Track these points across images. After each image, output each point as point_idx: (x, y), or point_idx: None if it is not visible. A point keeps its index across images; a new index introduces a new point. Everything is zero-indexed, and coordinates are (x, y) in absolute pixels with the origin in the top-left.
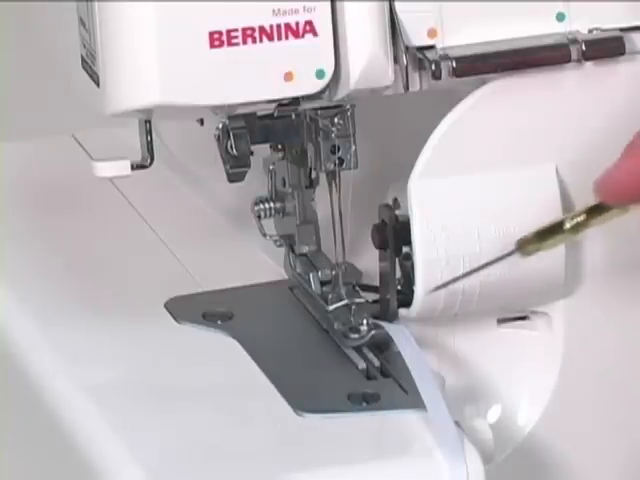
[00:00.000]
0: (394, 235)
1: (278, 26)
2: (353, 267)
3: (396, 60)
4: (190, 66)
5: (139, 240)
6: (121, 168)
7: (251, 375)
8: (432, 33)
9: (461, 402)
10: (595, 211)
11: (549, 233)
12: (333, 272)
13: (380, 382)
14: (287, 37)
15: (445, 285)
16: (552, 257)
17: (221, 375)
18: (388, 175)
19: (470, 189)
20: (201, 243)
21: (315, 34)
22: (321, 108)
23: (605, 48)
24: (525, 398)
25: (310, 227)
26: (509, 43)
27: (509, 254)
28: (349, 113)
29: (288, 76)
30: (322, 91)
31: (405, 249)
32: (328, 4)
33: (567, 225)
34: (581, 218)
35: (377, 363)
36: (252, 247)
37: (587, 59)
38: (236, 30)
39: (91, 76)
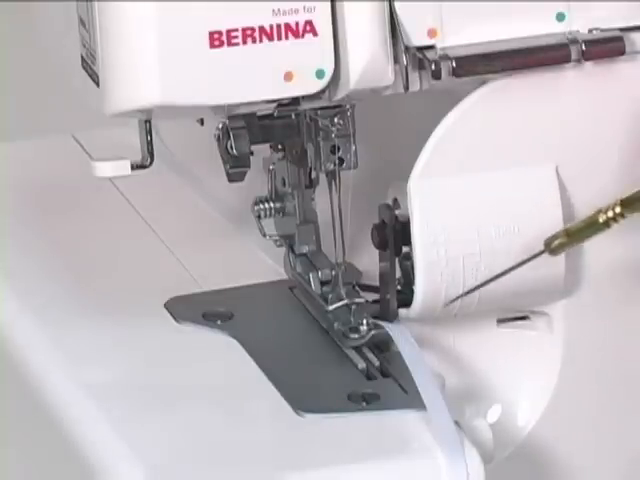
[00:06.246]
0: (394, 235)
1: (278, 26)
2: (353, 267)
3: (396, 60)
4: (190, 66)
5: (139, 240)
6: (121, 168)
7: (251, 375)
8: (432, 33)
9: (461, 402)
10: (629, 203)
11: (581, 229)
12: (333, 272)
13: (380, 382)
14: (287, 37)
15: (469, 292)
16: (552, 258)
17: (221, 375)
18: (388, 175)
19: (470, 189)
20: (201, 243)
21: (315, 34)
22: (321, 108)
23: (605, 48)
24: (525, 398)
25: (310, 227)
26: (509, 43)
27: (537, 255)
28: (349, 113)
29: (288, 76)
30: (322, 91)
31: (405, 249)
32: (328, 4)
33: (601, 219)
34: (617, 210)
35: (377, 363)
36: (252, 247)
37: (587, 59)
38: (236, 30)
39: (91, 76)
